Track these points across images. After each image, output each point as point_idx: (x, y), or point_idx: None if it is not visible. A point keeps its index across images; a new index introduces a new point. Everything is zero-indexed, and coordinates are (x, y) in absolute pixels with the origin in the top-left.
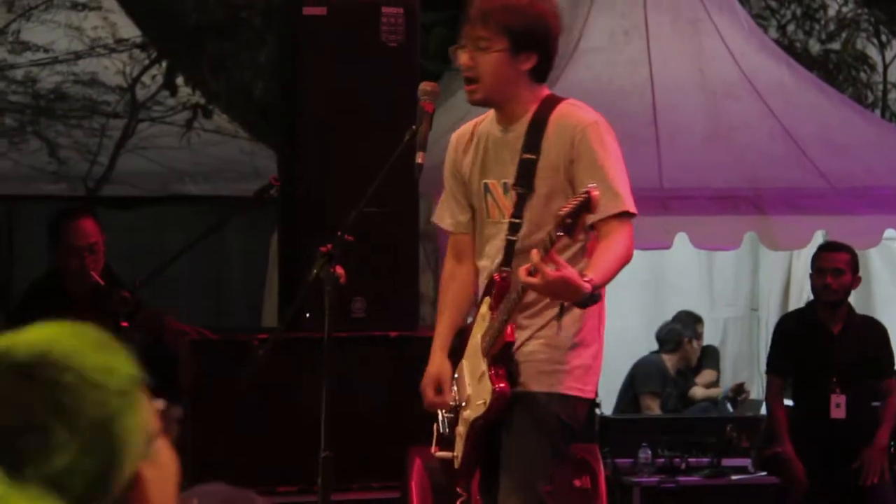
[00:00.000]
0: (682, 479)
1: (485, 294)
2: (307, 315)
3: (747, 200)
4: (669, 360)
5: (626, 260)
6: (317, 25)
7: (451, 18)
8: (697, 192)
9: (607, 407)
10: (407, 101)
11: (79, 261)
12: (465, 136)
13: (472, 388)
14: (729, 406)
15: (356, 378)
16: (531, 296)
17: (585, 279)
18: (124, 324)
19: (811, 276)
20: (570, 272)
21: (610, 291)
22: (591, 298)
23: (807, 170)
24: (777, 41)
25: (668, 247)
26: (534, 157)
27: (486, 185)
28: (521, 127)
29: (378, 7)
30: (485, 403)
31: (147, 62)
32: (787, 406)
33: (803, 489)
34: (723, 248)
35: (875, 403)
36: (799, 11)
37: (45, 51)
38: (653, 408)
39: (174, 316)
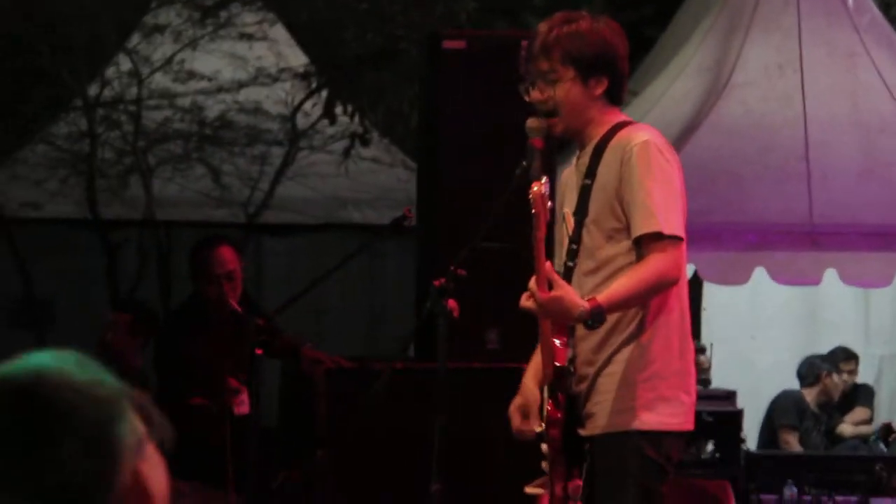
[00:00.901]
0: None
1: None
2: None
3: None
4: (809, 395)
5: (657, 282)
6: (457, 59)
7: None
8: (848, 228)
9: (753, 443)
10: None
11: (217, 289)
12: (565, 174)
13: (543, 418)
14: (882, 446)
15: (488, 409)
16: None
17: (587, 299)
18: (259, 351)
19: None
20: (562, 292)
21: (762, 328)
22: (593, 318)
23: None
24: None
25: (817, 282)
26: (590, 181)
27: (563, 215)
28: (588, 153)
29: (517, 41)
30: (545, 432)
31: (308, 91)
32: None
33: None
34: (873, 284)
35: None
36: None
37: (210, 80)
38: (790, 442)
39: (314, 344)
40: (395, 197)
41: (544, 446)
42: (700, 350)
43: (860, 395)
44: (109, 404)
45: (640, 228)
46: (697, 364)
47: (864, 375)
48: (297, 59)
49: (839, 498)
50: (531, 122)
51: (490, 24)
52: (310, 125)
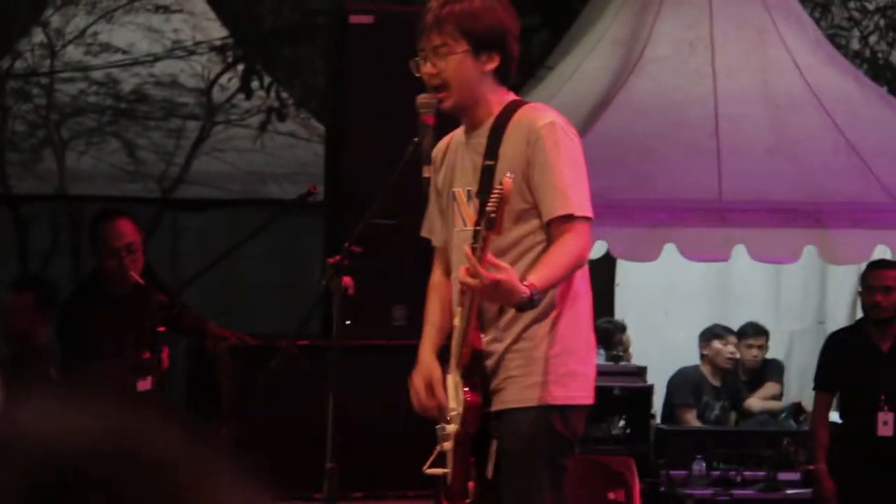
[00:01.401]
0: (736, 492)
1: (458, 305)
2: (347, 322)
3: (807, 214)
4: (706, 369)
5: (575, 262)
6: (364, 33)
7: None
8: (757, 204)
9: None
10: None
11: (117, 261)
12: (442, 147)
13: (454, 401)
14: (792, 423)
15: (394, 386)
16: (486, 303)
17: (525, 283)
18: (161, 328)
19: (860, 293)
20: (507, 275)
21: (673, 303)
22: (532, 302)
23: (870, 184)
24: (859, 52)
25: (726, 259)
26: (493, 163)
27: (454, 193)
28: (484, 133)
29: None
30: (459, 415)
31: (224, 65)
32: (834, 423)
33: None
34: (781, 260)
35: None
36: (882, 22)
37: (124, 52)
38: (689, 420)
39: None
40: (312, 172)
41: (449, 427)
42: (620, 328)
43: (770, 370)
44: None
45: (552, 211)
46: (620, 342)
47: (774, 351)
48: (215, 32)
49: (747, 473)
50: (421, 99)
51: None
52: (226, 99)
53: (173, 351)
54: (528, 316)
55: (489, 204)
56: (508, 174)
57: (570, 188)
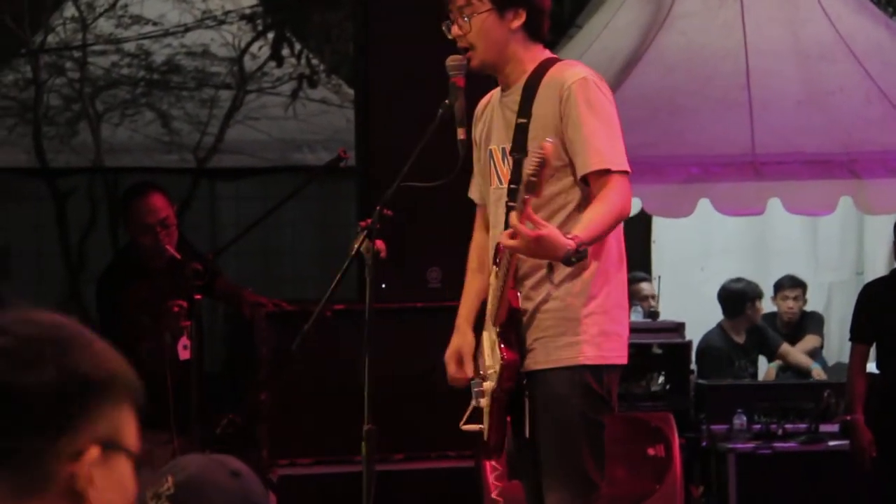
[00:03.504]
0: (778, 445)
1: (493, 263)
2: (382, 285)
3: (841, 164)
4: (733, 327)
5: (617, 216)
6: None
7: None
8: (790, 156)
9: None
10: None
11: (152, 237)
12: (482, 106)
13: (490, 359)
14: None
15: (431, 348)
16: (526, 261)
17: (569, 236)
18: (198, 297)
19: (894, 243)
20: (549, 231)
21: (711, 259)
22: (578, 255)
23: None
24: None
25: (760, 212)
26: (525, 121)
27: (490, 151)
28: (517, 91)
29: None
30: (496, 373)
31: (255, 34)
32: (872, 373)
33: (867, 458)
34: (816, 212)
35: None
36: None
37: (155, 24)
38: None
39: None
40: (345, 138)
41: (486, 384)
42: (641, 279)
43: (810, 322)
44: (106, 379)
45: (588, 166)
46: (640, 291)
47: (813, 303)
48: (244, 1)
49: (788, 426)
50: (451, 61)
51: None
52: (257, 67)
53: (211, 318)
54: (560, 274)
55: (529, 167)
56: (549, 139)
57: (605, 143)
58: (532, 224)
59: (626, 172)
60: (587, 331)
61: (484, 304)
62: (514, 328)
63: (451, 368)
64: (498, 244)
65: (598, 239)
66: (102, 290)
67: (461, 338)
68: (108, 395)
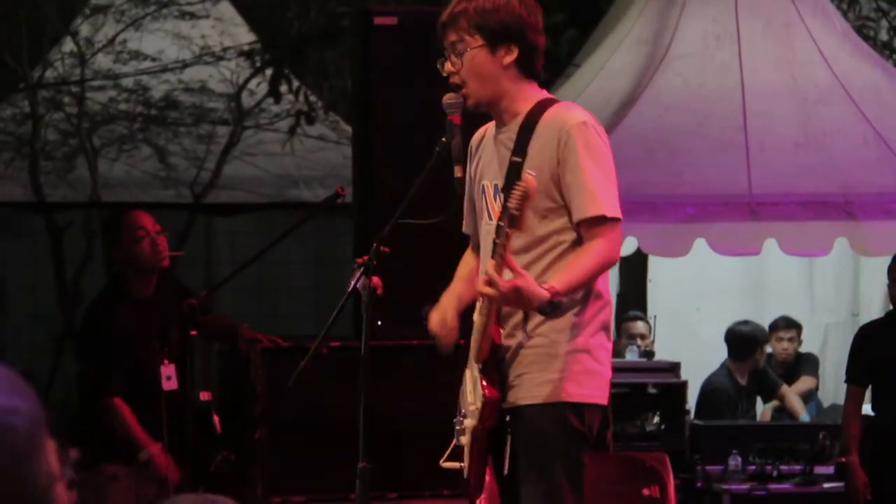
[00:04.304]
0: (773, 486)
1: (479, 300)
2: (378, 322)
3: (838, 206)
4: (738, 369)
5: (601, 264)
6: (388, 35)
7: (583, 20)
8: (787, 197)
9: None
10: None
11: (150, 241)
12: (476, 140)
13: (472, 395)
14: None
15: (426, 385)
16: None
17: (545, 286)
18: (194, 332)
19: (888, 286)
20: (525, 282)
21: (707, 299)
22: (553, 306)
23: None
24: (887, 43)
25: (757, 252)
26: (520, 159)
27: (483, 186)
28: (514, 128)
29: None
30: (478, 410)
31: (253, 70)
32: (867, 415)
33: (862, 500)
34: (813, 253)
35: None
36: None
37: (153, 59)
38: None
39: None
40: (342, 174)
41: (466, 422)
42: (637, 318)
43: (805, 364)
44: (24, 438)
45: (583, 212)
46: (635, 330)
47: (809, 344)
48: (242, 37)
49: (783, 467)
50: (448, 98)
51: (434, 1)
52: (255, 104)
53: (207, 354)
54: (536, 319)
55: (511, 200)
56: (531, 172)
57: (601, 189)
58: (511, 270)
59: (618, 220)
60: (570, 368)
61: (468, 342)
62: (496, 365)
63: (434, 323)
64: (481, 295)
65: (579, 288)
66: (89, 321)
67: (444, 304)
68: None
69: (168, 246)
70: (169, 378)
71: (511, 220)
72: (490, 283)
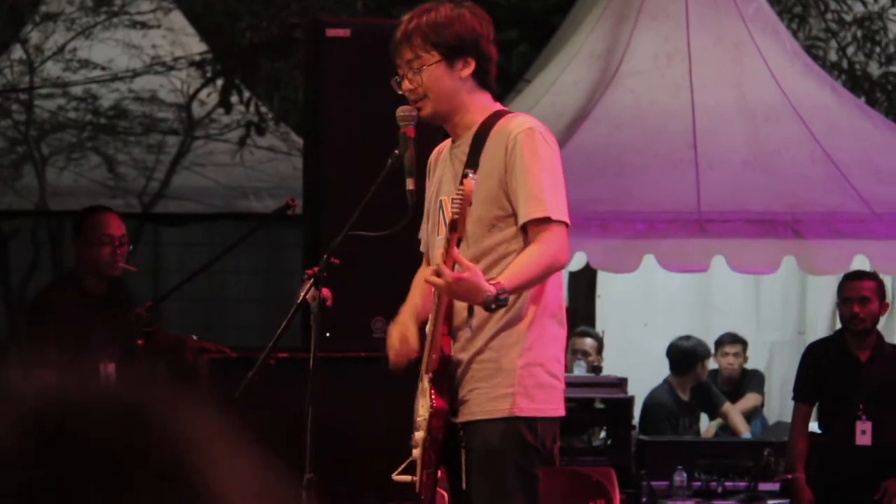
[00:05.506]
0: (717, 502)
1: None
2: (327, 334)
3: (785, 224)
4: (680, 383)
5: (548, 265)
6: (341, 47)
7: (534, 35)
8: (735, 215)
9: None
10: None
11: (111, 249)
12: (434, 157)
13: (422, 407)
14: None
15: (374, 397)
16: (460, 312)
17: (492, 282)
18: (140, 342)
19: (838, 305)
20: (472, 274)
21: (655, 315)
22: (497, 301)
23: (847, 194)
24: (836, 64)
25: (705, 269)
26: (472, 171)
27: (441, 202)
28: (466, 141)
29: None
30: (425, 421)
31: (203, 80)
32: (814, 433)
33: None
34: (760, 271)
35: None
36: (859, 33)
37: (104, 68)
38: None
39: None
40: (292, 186)
41: (417, 434)
42: (585, 333)
43: (751, 380)
44: None
45: (528, 214)
46: (582, 345)
47: (755, 361)
48: (194, 47)
49: (728, 483)
50: (401, 111)
51: (387, 13)
52: (205, 114)
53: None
54: (495, 325)
55: (451, 206)
56: (471, 174)
57: (547, 192)
58: (458, 264)
59: (564, 224)
60: (521, 382)
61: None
62: (445, 376)
63: (393, 341)
64: (427, 282)
65: (525, 287)
66: (36, 310)
67: (403, 321)
68: None
69: (125, 258)
70: (108, 377)
71: (452, 225)
72: (437, 273)
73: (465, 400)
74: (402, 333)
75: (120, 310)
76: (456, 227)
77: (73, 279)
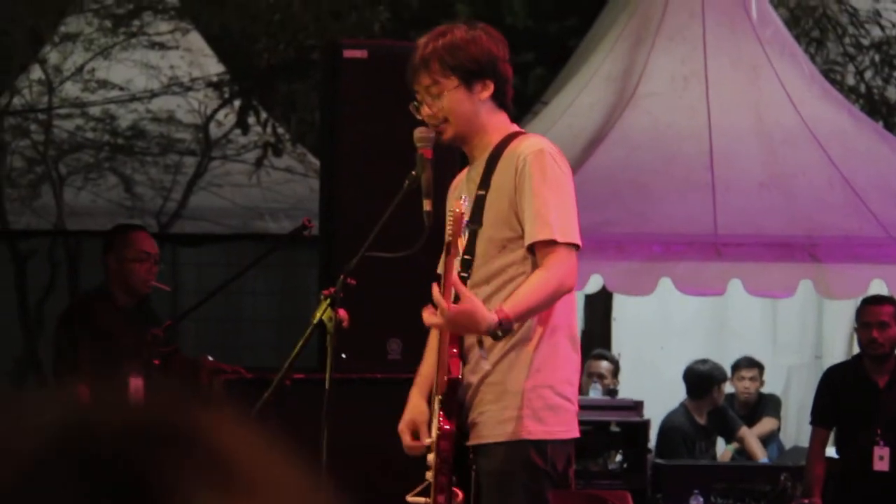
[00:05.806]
0: None
1: None
2: (343, 356)
3: (802, 248)
4: (696, 407)
5: (554, 290)
6: (357, 68)
7: (551, 58)
8: (752, 238)
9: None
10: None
11: (148, 266)
12: (455, 183)
13: (433, 429)
14: None
15: (389, 420)
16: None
17: (494, 310)
18: (156, 361)
19: (856, 329)
20: (470, 305)
21: (671, 338)
22: (502, 328)
23: (864, 218)
24: (854, 88)
25: (721, 293)
26: (484, 192)
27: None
28: (482, 163)
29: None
30: (434, 443)
31: (221, 101)
32: (831, 458)
33: None
34: (777, 295)
35: None
36: (877, 58)
37: (122, 89)
38: None
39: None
40: (308, 207)
41: (430, 457)
42: (601, 356)
43: (767, 404)
44: None
45: (534, 235)
46: (598, 368)
47: (772, 386)
48: (211, 68)
49: None
50: (419, 132)
51: (404, 35)
52: (223, 135)
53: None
54: (503, 347)
55: (446, 229)
56: (462, 198)
57: (554, 214)
58: (457, 291)
59: (573, 245)
60: (529, 405)
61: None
62: (454, 398)
63: (407, 439)
64: (427, 324)
65: (530, 313)
66: (66, 323)
67: (413, 409)
68: None
69: (155, 276)
70: (137, 391)
71: (446, 248)
72: (433, 310)
73: (476, 423)
74: (410, 427)
75: (147, 326)
76: (450, 250)
77: (103, 294)
